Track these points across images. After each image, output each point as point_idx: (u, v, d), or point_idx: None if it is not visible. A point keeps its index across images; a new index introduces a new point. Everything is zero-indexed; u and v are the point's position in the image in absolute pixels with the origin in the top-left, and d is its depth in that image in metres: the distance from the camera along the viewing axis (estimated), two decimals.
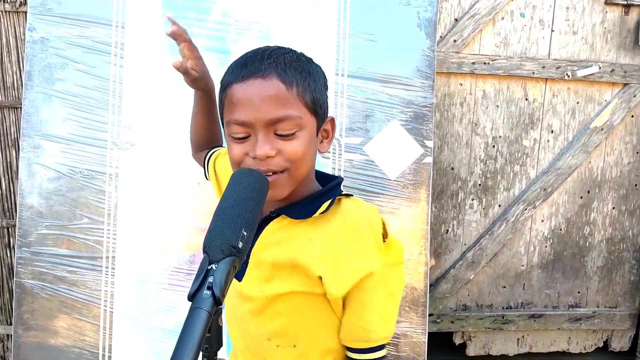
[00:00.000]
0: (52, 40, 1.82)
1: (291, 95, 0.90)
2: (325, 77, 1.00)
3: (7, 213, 2.30)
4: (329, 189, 1.00)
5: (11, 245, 2.32)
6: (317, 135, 0.96)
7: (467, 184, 2.61)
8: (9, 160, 2.25)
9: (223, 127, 0.98)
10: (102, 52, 1.84)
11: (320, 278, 0.92)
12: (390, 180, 1.92)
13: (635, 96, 2.61)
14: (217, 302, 0.72)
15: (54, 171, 1.83)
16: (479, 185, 2.61)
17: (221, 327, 0.80)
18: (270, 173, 0.91)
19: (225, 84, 0.94)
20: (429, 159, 1.94)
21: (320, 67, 1.00)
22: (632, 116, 2.67)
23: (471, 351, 2.75)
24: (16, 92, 2.21)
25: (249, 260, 0.99)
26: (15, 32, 2.16)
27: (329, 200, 0.95)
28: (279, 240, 0.97)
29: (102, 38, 1.83)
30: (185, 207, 1.86)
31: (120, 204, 1.84)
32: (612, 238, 2.77)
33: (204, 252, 0.78)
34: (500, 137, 2.59)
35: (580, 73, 2.54)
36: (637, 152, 2.71)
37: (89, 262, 1.84)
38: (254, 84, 0.89)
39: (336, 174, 1.87)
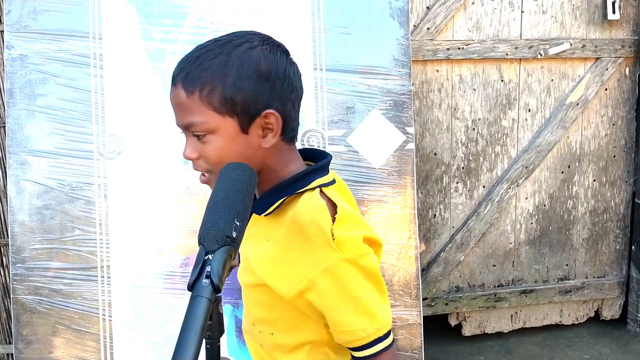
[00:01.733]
0: (31, 56, 1.83)
1: (192, 101, 0.91)
2: (255, 69, 0.92)
3: None
4: (293, 180, 0.98)
5: (4, 264, 2.32)
6: (246, 132, 0.93)
7: (451, 167, 2.66)
8: None
9: None
10: (82, 64, 1.85)
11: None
12: (375, 168, 1.96)
13: (607, 69, 2.68)
14: (216, 289, 0.75)
15: (43, 186, 1.84)
16: (462, 168, 2.67)
17: (222, 314, 0.84)
18: (203, 172, 0.97)
19: None
20: (411, 145, 1.98)
21: (256, 59, 0.93)
22: (606, 89, 2.74)
23: (467, 331, 2.80)
24: None
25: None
26: None
27: (279, 201, 0.96)
28: (252, 234, 1.00)
29: (80, 50, 1.85)
30: (175, 210, 1.88)
31: (110, 213, 1.86)
32: (595, 210, 2.84)
33: (200, 244, 0.81)
34: (479, 119, 2.64)
35: (552, 51, 2.60)
36: (613, 124, 2.78)
37: (84, 273, 1.86)
38: (171, 92, 0.95)
39: None
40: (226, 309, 1.90)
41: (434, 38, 2.50)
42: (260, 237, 1.00)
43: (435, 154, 2.62)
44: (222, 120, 0.92)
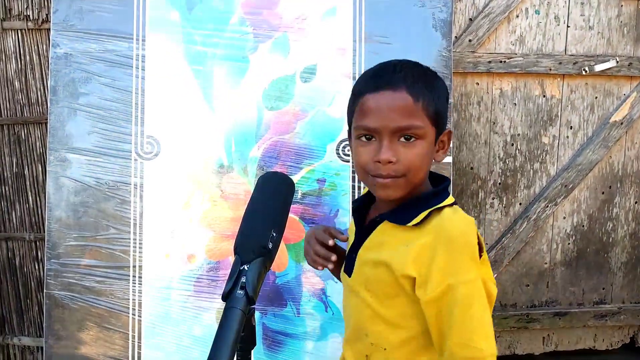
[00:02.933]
0: (76, 55, 1.86)
1: (417, 107, 1.00)
2: (447, 90, 1.11)
3: (35, 227, 2.35)
4: (430, 195, 1.06)
5: (39, 258, 2.37)
6: (435, 144, 1.06)
7: (487, 183, 2.60)
8: (35, 175, 2.30)
9: (350, 130, 1.11)
10: (124, 65, 1.87)
11: (413, 280, 0.99)
12: None
13: None
14: (251, 301, 0.75)
15: (80, 183, 1.87)
16: (499, 184, 2.61)
17: (254, 326, 0.83)
18: (390, 176, 1.01)
19: (357, 93, 1.05)
20: (449, 159, 1.95)
21: (443, 81, 1.10)
22: None
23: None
24: (40, 108, 2.26)
25: (357, 259, 1.10)
26: (39, 49, 2.21)
27: (427, 211, 1.02)
28: (381, 242, 1.07)
29: (123, 51, 1.87)
30: (209, 215, 1.89)
31: (145, 214, 1.87)
32: (635, 233, 2.75)
33: (235, 253, 0.81)
34: (518, 135, 2.58)
35: (598, 68, 2.53)
36: None
37: (116, 272, 1.87)
38: (385, 95, 1.00)
39: (356, 177, 1.89)
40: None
41: (475, 50, 2.45)
42: (396, 244, 1.03)
43: (471, 168, 2.58)
44: (431, 130, 1.03)
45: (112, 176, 1.88)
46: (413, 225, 1.02)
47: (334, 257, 1.14)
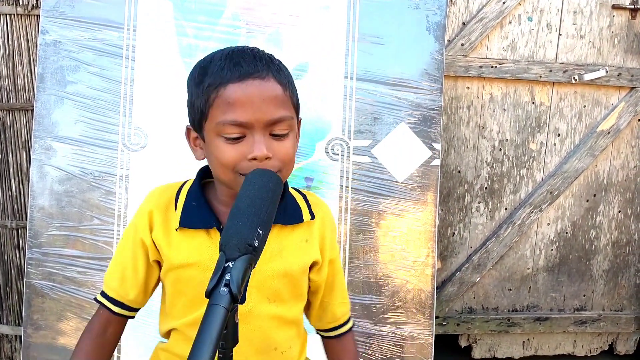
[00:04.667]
0: (65, 43, 1.84)
1: (286, 96, 0.94)
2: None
3: (17, 214, 2.31)
4: (287, 185, 1.07)
5: (20, 246, 2.33)
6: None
7: (474, 187, 2.61)
8: (19, 162, 2.26)
9: (198, 130, 0.97)
10: (114, 54, 1.85)
11: (314, 265, 1.06)
12: (398, 182, 1.93)
13: None
14: (234, 299, 0.74)
15: (65, 172, 1.85)
16: (486, 188, 2.62)
17: (237, 324, 0.82)
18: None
19: (217, 84, 0.91)
20: (437, 162, 1.95)
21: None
22: (639, 120, 2.67)
23: (477, 354, 2.75)
24: (27, 95, 2.23)
25: (252, 278, 0.96)
26: (27, 35, 2.18)
27: (303, 202, 1.06)
28: (280, 249, 1.01)
29: (113, 41, 1.85)
30: None
31: (130, 206, 1.86)
32: (617, 241, 2.77)
33: (221, 250, 0.79)
34: (507, 140, 2.60)
35: (588, 77, 2.55)
36: None
37: (98, 263, 1.85)
38: (254, 85, 0.90)
39: (344, 176, 1.89)
40: None
41: (467, 54, 2.46)
42: (296, 244, 1.03)
43: (459, 172, 2.59)
44: (295, 120, 0.98)
45: (97, 166, 1.86)
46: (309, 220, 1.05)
47: None
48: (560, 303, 2.78)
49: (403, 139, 1.93)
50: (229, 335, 0.81)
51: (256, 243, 0.80)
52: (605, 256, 2.78)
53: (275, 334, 1.04)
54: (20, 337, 2.37)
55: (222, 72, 0.91)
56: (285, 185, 1.06)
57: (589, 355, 2.86)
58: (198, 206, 1.01)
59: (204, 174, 1.07)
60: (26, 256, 1.84)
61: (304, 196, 1.08)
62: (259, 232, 0.81)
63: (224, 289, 0.74)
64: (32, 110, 2.21)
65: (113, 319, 1.06)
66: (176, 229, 1.00)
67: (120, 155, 1.86)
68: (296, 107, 0.97)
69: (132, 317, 1.09)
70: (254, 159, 0.90)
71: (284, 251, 1.01)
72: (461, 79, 2.50)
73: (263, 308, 1.01)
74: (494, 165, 2.61)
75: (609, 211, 2.74)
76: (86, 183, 1.85)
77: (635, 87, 2.61)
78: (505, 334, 2.74)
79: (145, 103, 1.87)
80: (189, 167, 1.86)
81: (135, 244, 1.03)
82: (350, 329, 1.16)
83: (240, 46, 0.97)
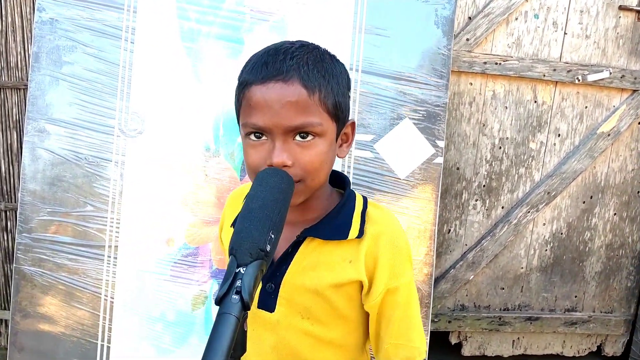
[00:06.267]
0: (62, 21, 1.77)
1: (312, 101, 0.86)
2: (348, 77, 0.96)
3: (6, 196, 2.25)
4: (346, 199, 0.98)
5: (8, 228, 2.28)
6: (336, 140, 0.93)
7: (472, 184, 2.59)
8: (9, 142, 2.20)
9: (238, 124, 0.94)
10: (113, 36, 1.79)
11: (361, 287, 0.95)
12: (399, 179, 1.90)
13: None
14: (246, 307, 0.71)
15: (58, 156, 1.79)
16: (484, 186, 2.60)
17: (246, 331, 0.78)
18: None
19: (244, 83, 0.88)
20: (440, 160, 1.92)
21: (344, 66, 0.96)
22: (639, 123, 2.66)
23: (466, 351, 2.75)
24: (20, 73, 2.15)
25: (282, 288, 0.96)
26: (21, 11, 2.10)
27: (358, 219, 0.95)
28: (315, 263, 0.95)
29: (113, 22, 1.79)
30: (191, 198, 1.83)
31: (125, 193, 1.81)
32: (611, 244, 2.77)
33: (231, 254, 0.76)
34: (507, 138, 2.57)
35: (591, 78, 2.53)
36: None
37: (90, 251, 1.81)
38: (275, 88, 0.84)
39: (345, 171, 1.85)
40: None
41: (472, 50, 2.42)
42: (336, 262, 0.95)
43: (457, 169, 2.56)
44: (331, 125, 0.90)
45: (92, 151, 1.80)
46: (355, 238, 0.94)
47: None
48: (551, 303, 2.78)
49: (406, 135, 1.90)
50: (237, 344, 0.78)
51: (268, 248, 0.77)
52: (599, 258, 2.78)
53: (308, 352, 0.98)
54: (6, 321, 2.32)
55: (252, 71, 0.87)
56: (351, 197, 0.99)
57: (577, 355, 2.87)
58: None
59: None
60: (16, 241, 1.78)
61: (365, 210, 0.97)
62: (270, 237, 0.78)
63: (235, 297, 0.71)
64: (24, 89, 2.14)
65: None
66: (230, 226, 0.99)
67: (116, 140, 1.80)
68: (332, 111, 0.88)
69: None
70: (272, 165, 0.85)
71: (318, 268, 0.94)
72: (464, 74, 2.47)
73: (294, 322, 0.96)
74: (493, 163, 2.59)
75: (604, 213, 2.73)
76: (80, 168, 1.79)
77: (637, 90, 2.59)
78: (495, 332, 2.74)
79: (143, 88, 1.81)
80: (186, 155, 1.81)
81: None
82: None
83: (285, 42, 0.91)
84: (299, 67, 0.86)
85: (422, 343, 0.98)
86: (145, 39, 1.80)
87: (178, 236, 1.83)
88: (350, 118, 0.96)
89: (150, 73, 1.81)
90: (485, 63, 2.44)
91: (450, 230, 2.62)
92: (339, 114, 0.91)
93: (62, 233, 1.79)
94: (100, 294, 1.81)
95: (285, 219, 0.83)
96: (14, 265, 1.79)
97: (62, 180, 1.79)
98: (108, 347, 1.81)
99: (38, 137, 1.78)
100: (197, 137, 1.82)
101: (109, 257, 1.81)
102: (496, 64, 2.45)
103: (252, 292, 0.72)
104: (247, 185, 1.06)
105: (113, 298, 1.81)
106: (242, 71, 0.91)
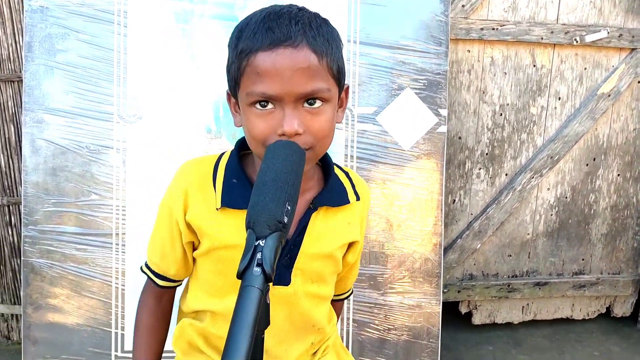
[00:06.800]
0: (52, 9, 1.73)
1: (321, 66, 0.85)
2: (341, 40, 0.94)
3: (8, 191, 2.23)
4: (330, 165, 1.02)
5: (12, 223, 2.26)
6: (337, 105, 0.93)
7: (475, 153, 2.58)
8: (7, 136, 2.17)
9: (235, 96, 0.91)
10: (105, 21, 1.76)
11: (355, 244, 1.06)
12: (404, 150, 1.89)
13: None
14: (268, 279, 0.70)
15: (59, 146, 1.77)
16: (486, 154, 2.59)
17: (269, 304, 0.78)
18: None
19: (247, 51, 0.84)
20: (443, 128, 1.91)
21: (336, 30, 0.93)
22: (639, 82, 2.64)
23: (477, 320, 2.76)
24: (12, 65, 2.12)
25: (297, 260, 0.97)
26: (9, 2, 2.06)
27: (349, 183, 1.02)
28: (325, 231, 0.98)
29: (104, 6, 1.75)
30: None
31: (128, 179, 1.79)
32: (616, 205, 2.78)
33: (249, 227, 0.75)
34: (507, 104, 2.55)
35: (589, 38, 2.50)
36: None
37: (98, 239, 1.80)
38: (284, 54, 0.82)
39: (349, 145, 1.84)
40: None
41: (468, 16, 2.39)
42: (340, 226, 1.01)
43: (459, 138, 2.54)
44: (335, 90, 0.89)
45: (92, 139, 1.78)
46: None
47: None
48: (559, 268, 2.79)
49: (408, 106, 1.88)
50: (261, 317, 0.77)
51: (285, 219, 0.76)
52: (604, 220, 2.78)
53: (315, 313, 1.02)
54: (17, 315, 2.32)
55: (255, 37, 0.83)
56: (330, 163, 1.02)
57: (587, 318, 2.89)
58: (240, 184, 0.95)
59: (242, 146, 0.98)
60: (22, 234, 1.77)
61: (347, 174, 1.05)
62: (287, 208, 0.77)
63: (256, 269, 0.70)
64: (18, 82, 2.11)
65: (162, 290, 1.06)
66: (217, 209, 0.94)
67: (117, 127, 1.78)
68: (337, 76, 0.88)
69: (180, 286, 1.11)
70: (283, 134, 0.84)
71: (329, 233, 0.98)
72: (462, 42, 2.44)
73: (307, 289, 0.99)
74: (494, 130, 2.57)
75: (608, 175, 2.73)
76: (81, 157, 1.78)
77: (635, 49, 2.57)
78: (505, 299, 2.75)
79: (140, 72, 1.78)
80: (188, 138, 1.79)
81: (171, 224, 0.99)
82: (348, 297, 1.23)
83: (281, 5, 0.87)
84: (305, 32, 0.84)
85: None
86: (139, 22, 1.77)
87: None
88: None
89: (146, 57, 1.78)
90: (482, 29, 2.41)
91: (455, 200, 2.61)
92: (341, 79, 0.91)
93: (68, 223, 1.78)
94: (111, 282, 1.80)
95: (299, 190, 0.81)
96: (22, 258, 1.78)
97: (64, 170, 1.77)
98: (122, 335, 1.81)
99: (37, 128, 1.76)
100: (197, 119, 1.80)
101: (117, 244, 1.80)
102: (493, 29, 2.42)
103: (272, 263, 0.71)
104: (204, 159, 1.03)
105: (124, 286, 1.81)
106: (238, 37, 0.86)
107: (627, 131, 2.70)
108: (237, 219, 0.93)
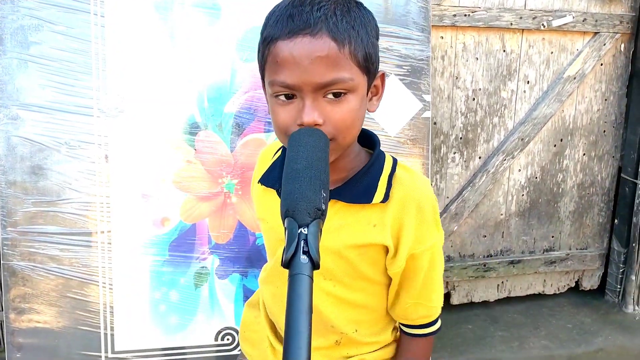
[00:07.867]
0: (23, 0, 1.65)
1: (343, 55, 0.81)
2: (376, 24, 0.91)
3: None
4: (374, 160, 0.94)
5: None
6: (367, 94, 0.89)
7: (449, 137, 2.62)
8: None
9: (263, 82, 0.90)
10: (81, 10, 1.69)
11: (386, 251, 0.94)
12: (390, 137, 1.90)
13: (605, 45, 2.68)
14: (315, 265, 0.70)
15: (37, 143, 1.69)
16: (460, 138, 2.64)
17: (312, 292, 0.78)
18: None
19: (269, 38, 0.83)
20: (428, 114, 1.93)
21: (371, 13, 0.91)
22: (602, 64, 2.74)
23: (455, 300, 2.83)
24: None
25: None
26: None
27: (385, 182, 0.92)
28: (339, 226, 0.93)
29: None
30: (183, 175, 1.77)
31: (112, 175, 1.73)
32: (582, 183, 2.88)
33: (288, 216, 0.74)
34: (479, 89, 2.60)
35: (556, 23, 2.58)
36: (606, 99, 2.80)
37: (82, 239, 1.73)
38: (303, 43, 0.80)
39: None
40: (234, 278, 1.83)
41: (441, 3, 2.42)
42: (360, 225, 0.93)
43: (435, 123, 2.58)
44: (362, 79, 0.85)
45: (72, 135, 1.71)
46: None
47: None
48: (531, 245, 2.88)
49: (393, 92, 1.89)
50: None
51: (323, 206, 0.75)
52: (572, 198, 2.88)
53: (331, 313, 0.98)
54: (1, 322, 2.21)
55: (277, 25, 0.82)
56: (380, 158, 0.95)
57: (557, 293, 3.00)
58: (280, 165, 0.97)
59: None
60: (1, 237, 1.69)
61: (392, 173, 0.94)
62: (323, 195, 0.76)
63: (304, 257, 0.69)
64: None
65: None
66: (258, 182, 1.02)
67: (97, 121, 1.72)
68: (363, 64, 0.84)
69: None
70: (302, 124, 0.82)
71: (342, 229, 0.93)
72: (435, 28, 2.46)
73: (318, 284, 0.95)
74: (468, 115, 2.62)
75: (574, 154, 2.83)
76: (61, 154, 1.71)
77: (598, 32, 2.66)
78: (481, 279, 2.82)
79: (120, 64, 1.72)
80: (173, 131, 1.75)
81: None
82: (425, 335, 1.02)
83: None
84: (326, 19, 0.81)
85: (440, 302, 1.00)
86: (116, 11, 1.71)
87: (173, 215, 1.77)
88: (380, 69, 0.92)
89: (126, 48, 1.72)
90: (454, 15, 2.45)
91: (431, 184, 2.65)
92: (370, 67, 0.87)
93: (50, 223, 1.71)
94: (98, 281, 1.75)
95: (329, 177, 0.81)
96: (1, 261, 1.70)
97: (44, 168, 1.70)
98: (112, 335, 1.76)
99: (12, 124, 1.68)
100: (181, 111, 1.76)
101: (103, 243, 1.74)
102: (465, 15, 2.46)
103: (317, 250, 0.71)
104: (276, 142, 1.05)
105: (112, 285, 1.75)
106: (265, 25, 0.85)
107: (592, 112, 2.80)
108: (267, 196, 1.00)
